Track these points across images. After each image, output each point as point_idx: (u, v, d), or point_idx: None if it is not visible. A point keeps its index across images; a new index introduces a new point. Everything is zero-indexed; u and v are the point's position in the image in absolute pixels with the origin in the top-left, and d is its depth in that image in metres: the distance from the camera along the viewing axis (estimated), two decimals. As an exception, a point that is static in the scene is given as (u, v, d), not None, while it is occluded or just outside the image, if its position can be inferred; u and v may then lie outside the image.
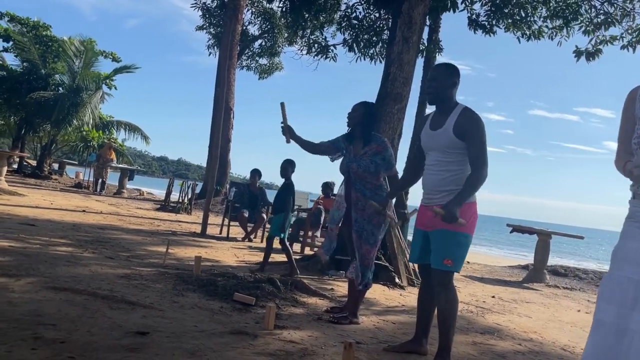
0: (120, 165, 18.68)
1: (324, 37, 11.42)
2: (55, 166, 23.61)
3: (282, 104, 4.22)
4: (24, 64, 21.67)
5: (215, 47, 20.24)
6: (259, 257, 6.92)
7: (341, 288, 5.57)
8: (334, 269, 6.57)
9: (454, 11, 9.61)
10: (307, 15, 10.29)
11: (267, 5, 18.63)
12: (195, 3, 19.14)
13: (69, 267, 4.33)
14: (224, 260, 6.43)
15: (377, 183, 4.11)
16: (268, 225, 9.42)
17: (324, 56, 11.46)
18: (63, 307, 3.22)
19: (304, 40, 11.43)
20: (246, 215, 9.20)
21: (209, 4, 19.51)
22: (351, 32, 11.23)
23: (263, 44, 20.68)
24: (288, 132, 4.23)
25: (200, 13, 19.58)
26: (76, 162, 24.84)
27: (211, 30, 20.88)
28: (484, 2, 10.56)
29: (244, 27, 19.04)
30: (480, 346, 3.99)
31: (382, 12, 10.20)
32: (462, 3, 9.84)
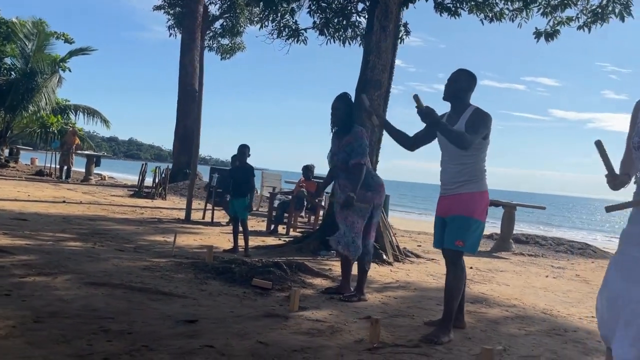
0: (87, 152, 18.38)
1: (294, 20, 11.57)
2: (7, 152, 22.86)
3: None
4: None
5: (176, 29, 19.95)
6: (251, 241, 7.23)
7: (338, 267, 5.98)
8: (324, 250, 6.98)
9: (440, 12, 10.02)
10: (285, 5, 10.45)
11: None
12: (154, -17, 18.73)
13: (92, 262, 4.55)
14: (220, 245, 6.72)
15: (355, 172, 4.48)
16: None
17: (295, 40, 11.64)
18: (109, 301, 3.49)
19: (274, 24, 11.53)
20: (228, 199, 9.44)
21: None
22: (320, 16, 11.47)
23: (224, 24, 20.51)
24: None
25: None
26: (30, 148, 24.11)
27: (169, 10, 20.55)
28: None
29: (206, 7, 18.82)
30: (475, 315, 4.49)
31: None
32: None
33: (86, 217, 8.08)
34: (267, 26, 11.33)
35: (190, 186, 9.72)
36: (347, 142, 4.53)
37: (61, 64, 21.61)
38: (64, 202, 9.70)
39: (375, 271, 6.16)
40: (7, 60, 21.05)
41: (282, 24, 11.62)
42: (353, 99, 4.85)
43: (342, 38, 11.48)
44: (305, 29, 11.73)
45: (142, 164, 14.10)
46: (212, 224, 9.24)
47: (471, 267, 7.35)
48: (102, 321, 3.05)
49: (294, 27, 11.66)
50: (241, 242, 6.42)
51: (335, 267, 6.06)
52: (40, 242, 5.26)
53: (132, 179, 21.11)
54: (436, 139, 3.79)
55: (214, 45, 21.11)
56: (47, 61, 19.99)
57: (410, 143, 3.95)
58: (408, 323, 3.93)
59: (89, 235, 6.19)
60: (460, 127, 3.50)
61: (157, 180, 13.64)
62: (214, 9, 20.49)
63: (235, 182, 6.59)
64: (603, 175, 2.46)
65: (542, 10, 10.86)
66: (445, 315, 3.67)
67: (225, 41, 21.17)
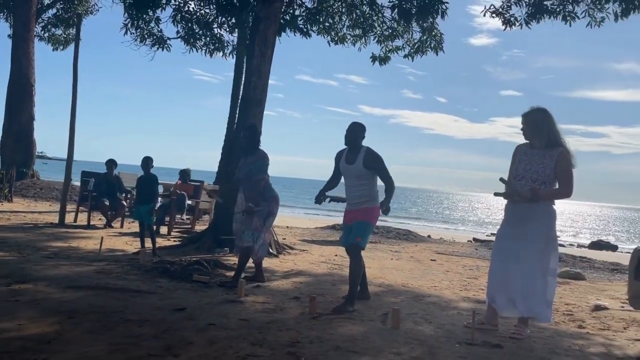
0: None
1: (159, 29, 12.05)
2: None
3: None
4: None
5: (2, 14, 18.34)
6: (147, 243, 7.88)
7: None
8: (218, 247, 7.98)
9: (294, 32, 11.43)
10: (149, 10, 10.92)
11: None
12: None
13: (48, 269, 5.02)
14: (125, 249, 7.30)
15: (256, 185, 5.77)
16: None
17: (160, 47, 12.14)
18: (101, 300, 4.21)
19: (138, 30, 11.83)
20: (107, 203, 9.75)
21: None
22: (184, 26, 12.16)
23: (58, 14, 19.42)
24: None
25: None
26: None
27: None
28: (303, 10, 12.53)
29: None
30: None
31: (225, 17, 11.38)
32: (294, 19, 11.56)
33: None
34: (132, 33, 11.62)
35: (64, 189, 9.75)
36: (252, 161, 5.78)
37: None
38: None
39: (269, 262, 7.39)
40: None
41: (146, 32, 12.03)
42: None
43: (207, 49, 12.36)
44: (170, 38, 12.30)
45: (-17, 165, 13.08)
46: (89, 227, 9.46)
47: (336, 255, 9.00)
48: (115, 315, 3.84)
49: (158, 35, 12.15)
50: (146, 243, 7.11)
51: (235, 261, 7.14)
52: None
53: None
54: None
55: (45, 35, 19.81)
56: None
57: (334, 183, 5.33)
58: (323, 299, 5.28)
59: (-3, 245, 6.33)
60: (359, 163, 4.95)
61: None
62: (45, -3, 19.29)
63: (140, 190, 7.23)
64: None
65: (377, 38, 13.09)
66: (350, 291, 5.10)
67: (58, 31, 20.01)
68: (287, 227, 14.03)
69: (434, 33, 11.80)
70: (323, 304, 5.05)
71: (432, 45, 12.25)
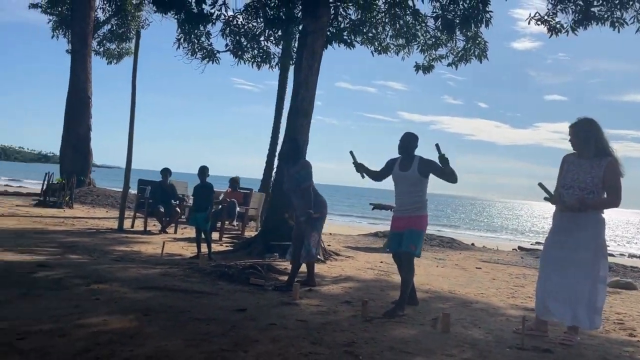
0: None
1: (209, 42, 12.56)
2: None
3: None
4: None
5: (61, 30, 19.43)
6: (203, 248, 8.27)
7: (289, 266, 7.36)
8: (268, 252, 8.30)
9: (338, 43, 11.74)
10: (201, 26, 11.44)
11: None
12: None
13: (119, 272, 5.43)
14: (183, 253, 7.71)
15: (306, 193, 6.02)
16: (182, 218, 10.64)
17: (210, 60, 12.65)
18: (169, 300, 4.55)
19: (190, 45, 12.37)
20: (162, 210, 10.25)
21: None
22: (232, 39, 12.64)
23: (112, 29, 20.41)
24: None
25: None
26: None
27: (50, 10, 19.88)
28: (347, 22, 12.81)
29: (95, 13, 18.68)
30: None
31: (272, 30, 11.80)
32: (340, 32, 11.86)
33: (34, 230, 8.44)
34: (185, 47, 12.16)
35: (122, 197, 10.30)
36: (296, 171, 6.06)
37: None
38: (-12, 215, 9.70)
39: (318, 268, 7.63)
40: None
41: (197, 46, 12.56)
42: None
43: (255, 61, 12.80)
44: (219, 52, 12.80)
45: (46, 173, 13.93)
46: (146, 232, 9.97)
47: (381, 262, 9.18)
48: (184, 314, 4.16)
49: (209, 49, 12.67)
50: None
51: (287, 266, 7.43)
52: (47, 256, 5.92)
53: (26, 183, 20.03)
54: (391, 175, 5.41)
55: (100, 49, 20.85)
56: None
57: (378, 178, 5.54)
58: (373, 304, 5.48)
59: (70, 248, 6.83)
60: (414, 170, 5.15)
61: (44, 188, 13.62)
62: (100, 14, 20.32)
63: (197, 198, 7.62)
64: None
65: (420, 47, 13.22)
66: (401, 296, 5.29)
67: (112, 46, 21.02)
68: (330, 234, 14.26)
69: (478, 41, 11.85)
70: (373, 308, 5.24)
71: (476, 53, 12.30)
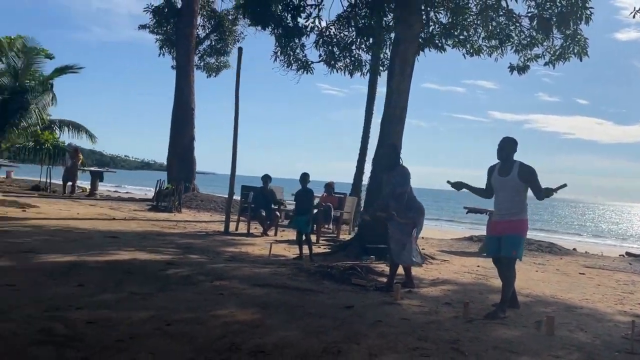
0: (92, 168, 19.17)
1: (304, 54, 13.14)
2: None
3: (448, 181, 5.58)
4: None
5: (166, 48, 21.03)
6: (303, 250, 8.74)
7: (387, 268, 7.61)
8: (365, 255, 8.60)
9: (431, 49, 11.85)
10: (296, 39, 12.03)
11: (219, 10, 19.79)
12: (147, 7, 19.85)
13: (234, 271, 6.00)
14: (286, 255, 8.21)
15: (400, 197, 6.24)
16: (282, 222, 11.22)
17: (305, 71, 13.21)
18: (284, 296, 4.99)
19: (285, 57, 13.03)
20: (264, 214, 10.90)
21: (159, 4, 20.19)
22: (325, 49, 13.13)
23: (212, 44, 21.78)
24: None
25: (150, 16, 20.27)
26: (17, 165, 24.39)
27: (156, 30, 21.56)
28: (438, 26, 12.86)
29: (197, 31, 20.05)
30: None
31: (363, 39, 12.16)
32: (432, 37, 11.97)
33: (153, 233, 9.35)
34: (281, 60, 12.82)
35: (228, 202, 11.08)
36: (394, 176, 6.27)
37: (49, 82, 22.13)
38: (113, 219, 10.84)
39: (414, 271, 7.81)
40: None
41: (292, 58, 13.18)
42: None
43: (347, 69, 13.21)
44: (313, 62, 13.34)
45: (158, 180, 15.23)
46: (249, 235, 10.64)
47: (478, 266, 9.16)
48: (298, 308, 4.56)
49: (303, 60, 13.25)
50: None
51: (385, 268, 7.69)
52: (172, 256, 6.65)
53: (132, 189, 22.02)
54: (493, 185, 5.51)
55: (201, 64, 22.29)
56: (39, 80, 20.57)
57: (488, 195, 5.64)
58: (473, 306, 5.59)
59: (183, 248, 7.57)
60: (514, 176, 5.22)
61: (155, 193, 14.80)
62: (200, 31, 21.77)
63: (298, 202, 8.09)
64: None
65: (514, 48, 12.95)
66: (503, 299, 5.37)
67: (211, 60, 22.40)
68: (423, 237, 14.28)
69: (577, 38, 11.42)
70: (474, 310, 5.36)
71: (575, 50, 11.84)
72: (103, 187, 27.55)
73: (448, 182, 5.67)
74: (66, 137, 23.62)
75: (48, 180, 18.98)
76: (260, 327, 3.88)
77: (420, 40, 10.70)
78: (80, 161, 17.49)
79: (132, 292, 4.63)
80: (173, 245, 7.91)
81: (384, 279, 6.75)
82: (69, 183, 17.34)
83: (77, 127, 23.22)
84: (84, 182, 20.83)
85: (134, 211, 13.62)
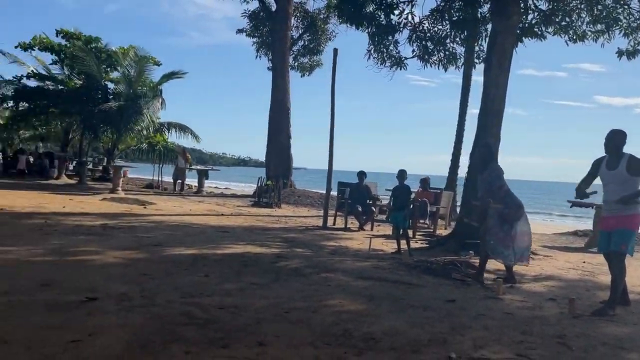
0: (198, 167, 20.64)
1: (397, 50, 13.25)
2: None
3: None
4: (82, 76, 23.35)
5: (262, 50, 21.99)
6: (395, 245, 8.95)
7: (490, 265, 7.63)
8: (463, 250, 8.63)
9: (531, 38, 11.54)
10: (389, 36, 12.18)
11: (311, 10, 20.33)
12: (244, 12, 20.86)
13: (338, 264, 6.39)
14: (384, 249, 8.47)
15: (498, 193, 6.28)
16: (377, 217, 11.49)
17: (398, 67, 13.32)
18: (387, 289, 5.26)
19: (379, 54, 13.23)
20: (360, 209, 11.23)
21: (255, 9, 21.15)
22: (419, 44, 13.14)
23: (305, 44, 22.44)
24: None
25: (247, 21, 21.29)
26: (135, 166, 26.67)
27: (253, 33, 22.60)
28: (537, 14, 12.41)
29: (290, 32, 20.76)
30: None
31: (458, 32, 12.07)
32: (531, 27, 11.62)
33: (259, 227, 10.02)
34: (374, 57, 13.03)
35: (326, 197, 11.53)
36: (487, 174, 6.29)
37: (158, 87, 23.95)
38: (222, 214, 11.68)
39: (516, 267, 7.75)
40: (111, 86, 23.58)
41: (386, 55, 13.34)
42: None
43: (442, 63, 13.14)
44: (406, 58, 13.42)
45: (259, 178, 16.10)
46: (346, 229, 11.01)
47: (584, 262, 8.85)
48: (402, 301, 4.82)
49: (397, 57, 13.37)
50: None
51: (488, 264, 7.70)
52: (280, 250, 7.19)
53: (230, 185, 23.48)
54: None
55: (295, 64, 23.05)
56: (150, 86, 22.34)
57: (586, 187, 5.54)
58: (580, 303, 5.52)
59: (288, 242, 8.09)
60: (622, 169, 5.09)
61: (256, 189, 15.57)
62: (294, 32, 22.52)
63: (395, 198, 8.32)
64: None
65: (623, 31, 12.19)
66: (612, 296, 5.26)
67: (304, 60, 23.09)
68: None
69: (698, 17, 10.57)
70: (580, 306, 5.31)
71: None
72: (207, 184, 29.50)
73: (568, 201, 5.62)
74: (173, 138, 25.51)
75: (160, 179, 20.65)
76: (368, 317, 4.19)
77: (518, 31, 10.44)
78: (188, 161, 18.84)
79: (251, 282, 5.14)
80: (279, 239, 8.45)
81: (485, 275, 6.81)
82: (179, 181, 18.75)
83: (182, 128, 24.98)
84: (191, 180, 22.47)
85: (238, 207, 14.52)
